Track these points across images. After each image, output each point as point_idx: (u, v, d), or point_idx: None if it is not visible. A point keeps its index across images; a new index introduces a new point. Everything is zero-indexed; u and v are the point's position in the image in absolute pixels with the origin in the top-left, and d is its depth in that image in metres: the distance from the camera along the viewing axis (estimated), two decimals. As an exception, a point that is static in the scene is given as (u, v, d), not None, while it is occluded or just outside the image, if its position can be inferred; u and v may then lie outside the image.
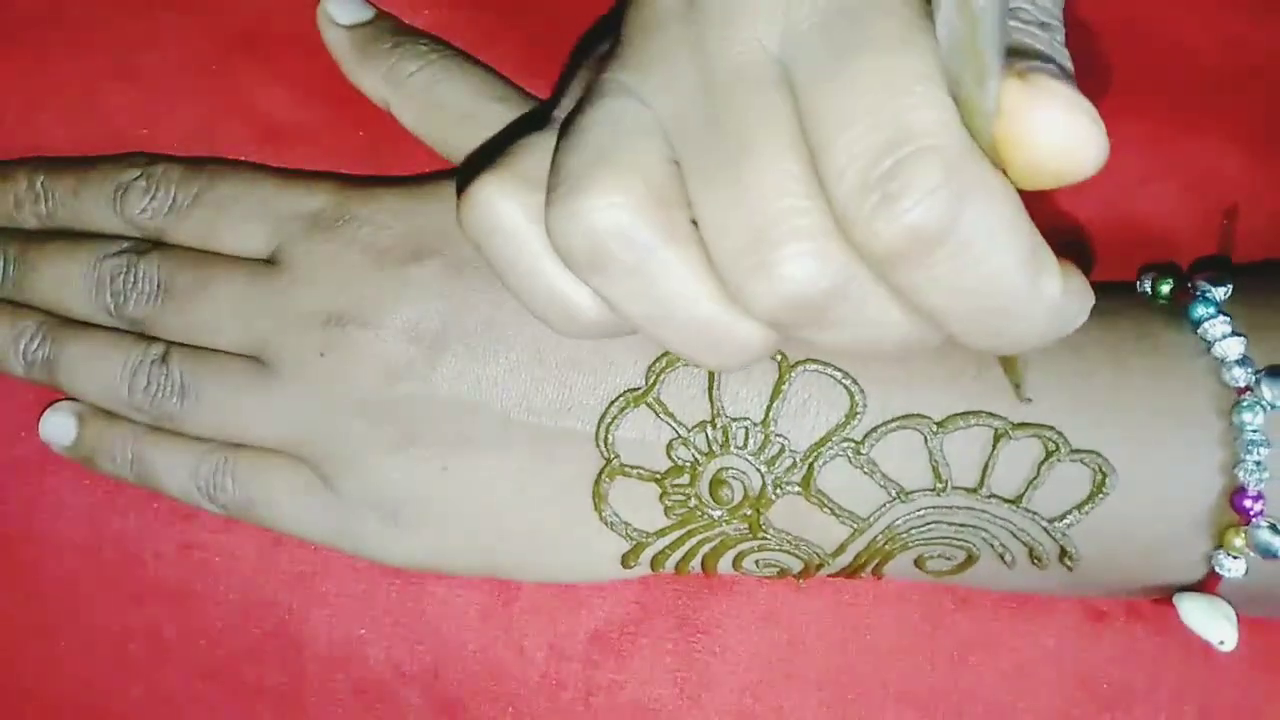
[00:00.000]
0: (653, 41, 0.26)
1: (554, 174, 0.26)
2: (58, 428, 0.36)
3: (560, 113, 0.29)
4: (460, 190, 0.29)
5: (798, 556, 0.33)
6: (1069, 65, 0.24)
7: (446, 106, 0.35)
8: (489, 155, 0.29)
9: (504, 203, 0.27)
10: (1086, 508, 0.32)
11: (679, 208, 0.25)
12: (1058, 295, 0.24)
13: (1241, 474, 0.31)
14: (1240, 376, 0.32)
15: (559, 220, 0.26)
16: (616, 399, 0.32)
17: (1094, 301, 0.25)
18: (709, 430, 0.32)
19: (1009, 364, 0.30)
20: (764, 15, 0.24)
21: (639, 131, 0.26)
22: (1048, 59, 0.23)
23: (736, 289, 0.25)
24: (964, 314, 0.24)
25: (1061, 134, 0.22)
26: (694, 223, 0.25)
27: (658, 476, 0.33)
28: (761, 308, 0.25)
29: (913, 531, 0.33)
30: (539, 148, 0.28)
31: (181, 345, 0.35)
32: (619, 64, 0.27)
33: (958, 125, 0.22)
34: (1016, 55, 0.23)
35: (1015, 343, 0.25)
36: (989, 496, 0.32)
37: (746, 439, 0.32)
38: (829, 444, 0.32)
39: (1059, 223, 0.37)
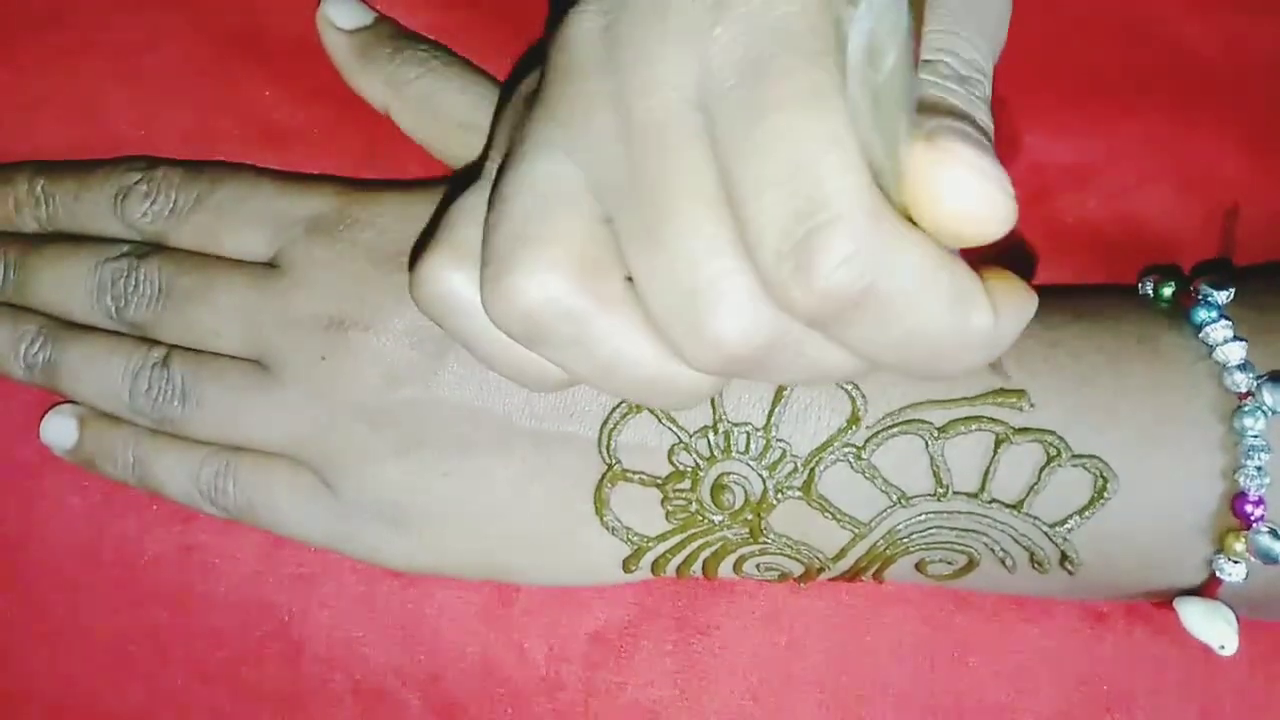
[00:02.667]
0: (574, 91, 0.26)
1: (484, 251, 0.26)
2: (59, 431, 0.36)
3: (492, 164, 0.29)
4: (411, 265, 0.29)
5: (799, 560, 0.33)
6: (987, 121, 0.24)
7: (445, 113, 0.34)
8: (435, 220, 0.29)
9: (450, 280, 0.27)
10: (1088, 512, 0.32)
11: (611, 271, 0.25)
12: (989, 327, 0.24)
13: (1242, 479, 0.31)
14: (1241, 381, 0.32)
15: (492, 303, 0.26)
16: (619, 405, 0.32)
17: (1035, 306, 0.25)
18: (710, 435, 0.32)
19: None
20: (680, 64, 0.24)
21: (563, 196, 0.26)
22: (962, 115, 0.23)
23: (675, 348, 0.25)
24: (897, 359, 0.24)
25: (963, 199, 0.22)
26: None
27: (659, 481, 0.33)
28: (701, 365, 0.25)
29: (914, 536, 0.33)
30: (474, 211, 0.28)
31: (183, 349, 0.35)
32: (543, 114, 0.27)
33: (869, 189, 0.22)
34: (930, 111, 0.23)
35: (954, 373, 0.25)
36: (990, 501, 0.32)
37: (748, 444, 0.32)
38: (830, 449, 0.32)
39: (1057, 223, 0.37)
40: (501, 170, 0.27)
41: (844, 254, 0.22)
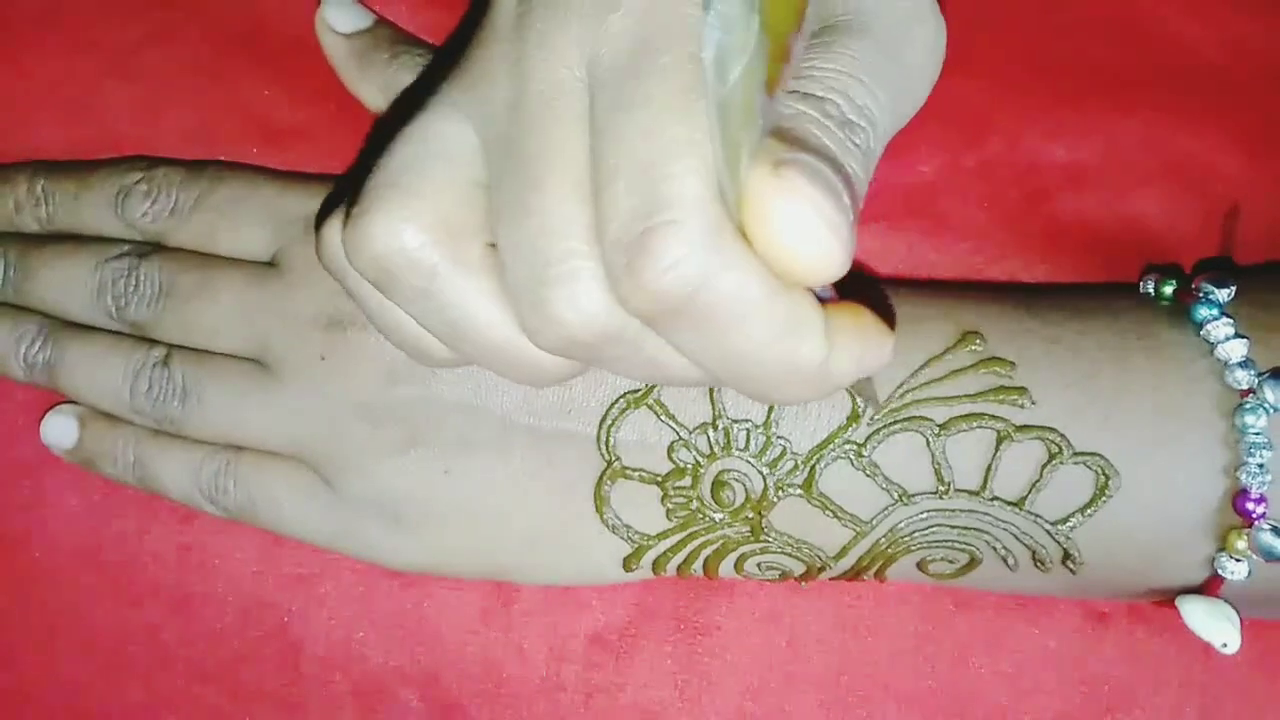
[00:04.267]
0: (483, 56, 0.26)
1: (356, 194, 0.26)
2: (59, 431, 0.36)
3: None
4: (317, 227, 0.29)
5: (800, 559, 0.33)
6: (858, 171, 0.23)
7: None
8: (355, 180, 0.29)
9: (338, 236, 0.27)
10: (1090, 510, 0.32)
11: (475, 234, 0.26)
12: (818, 361, 0.23)
13: (1244, 476, 0.31)
14: (1243, 379, 0.32)
15: (348, 243, 0.26)
16: (617, 401, 0.32)
17: (889, 350, 0.25)
18: (710, 432, 0.32)
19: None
20: (576, 42, 0.24)
21: (446, 154, 0.26)
22: (828, 157, 0.23)
23: (521, 321, 0.25)
24: (726, 375, 0.24)
25: (794, 237, 0.21)
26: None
27: (659, 479, 0.33)
28: (542, 343, 0.25)
29: (915, 534, 0.32)
30: None
31: (183, 348, 0.35)
32: (453, 75, 0.27)
33: (713, 200, 0.22)
34: (794, 144, 0.22)
35: (785, 401, 0.25)
36: (992, 499, 0.32)
37: (748, 441, 0.32)
38: (831, 446, 0.32)
39: (1056, 222, 0.37)
40: (403, 123, 0.27)
41: (674, 258, 0.22)
